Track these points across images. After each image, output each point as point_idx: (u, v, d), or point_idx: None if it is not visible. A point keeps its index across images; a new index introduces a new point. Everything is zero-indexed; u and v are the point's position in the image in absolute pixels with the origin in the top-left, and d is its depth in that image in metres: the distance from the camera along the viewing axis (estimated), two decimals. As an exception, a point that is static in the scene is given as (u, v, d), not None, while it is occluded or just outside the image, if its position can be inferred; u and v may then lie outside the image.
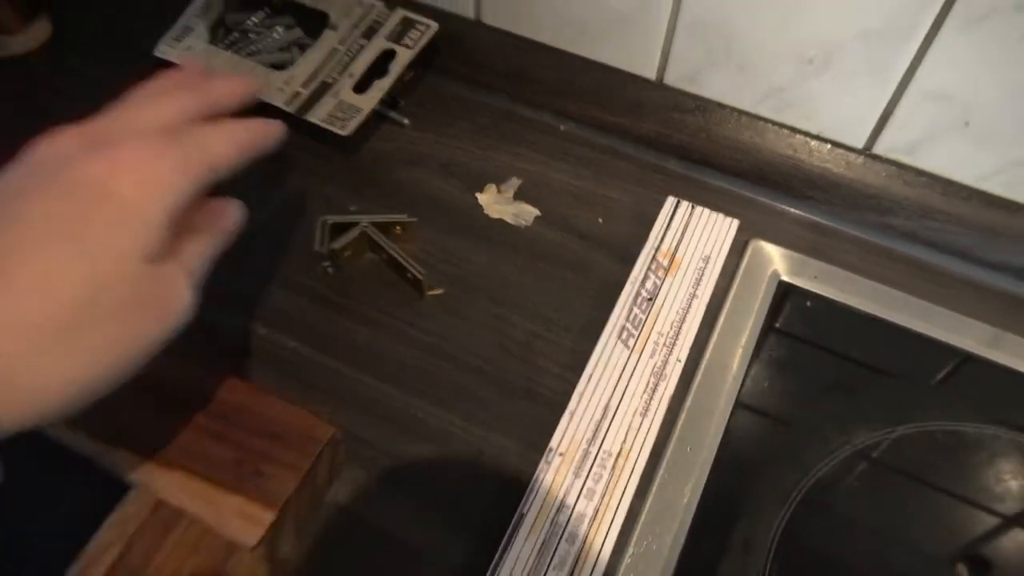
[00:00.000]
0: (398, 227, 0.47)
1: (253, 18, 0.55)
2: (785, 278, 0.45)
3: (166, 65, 0.51)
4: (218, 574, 0.34)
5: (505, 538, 0.36)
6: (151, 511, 0.34)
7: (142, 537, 0.34)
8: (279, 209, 0.49)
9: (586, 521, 0.36)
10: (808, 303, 0.45)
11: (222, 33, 0.55)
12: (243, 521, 0.34)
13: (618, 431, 0.39)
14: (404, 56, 0.52)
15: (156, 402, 0.37)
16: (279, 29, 0.55)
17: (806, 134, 0.49)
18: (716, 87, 0.49)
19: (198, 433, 0.36)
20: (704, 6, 0.46)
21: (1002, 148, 0.44)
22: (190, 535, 0.34)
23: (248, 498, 0.34)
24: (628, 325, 0.42)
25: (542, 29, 0.52)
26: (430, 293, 0.45)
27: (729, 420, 0.40)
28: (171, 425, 0.36)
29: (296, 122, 0.49)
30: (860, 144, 0.48)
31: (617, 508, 0.36)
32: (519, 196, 0.49)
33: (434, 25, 0.53)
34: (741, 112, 0.50)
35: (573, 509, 0.36)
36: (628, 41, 0.50)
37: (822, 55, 0.45)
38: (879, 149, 0.48)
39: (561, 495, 0.37)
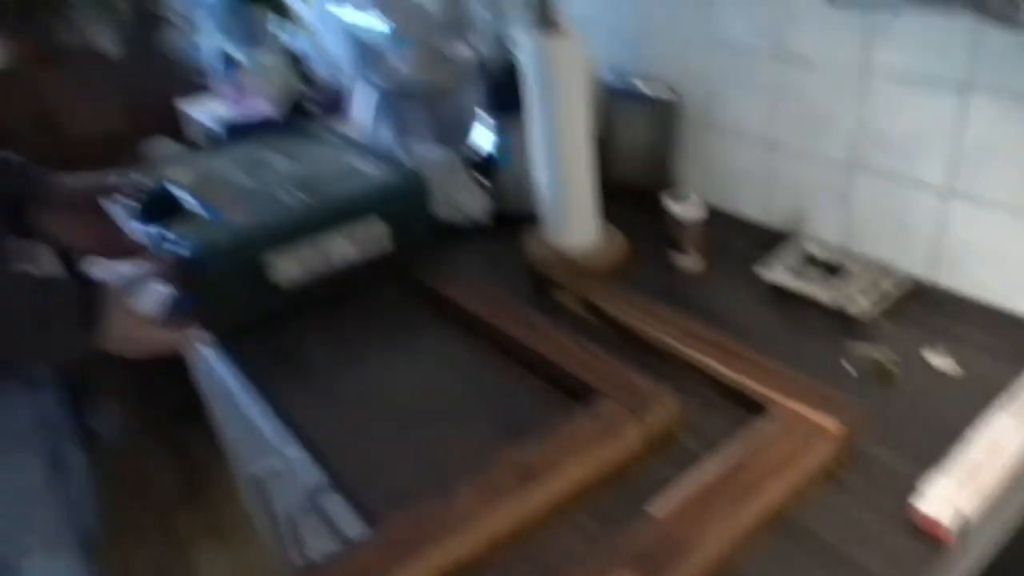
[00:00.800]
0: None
1: (804, 264, 1.15)
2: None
3: (770, 288, 1.12)
4: (801, 451, 0.83)
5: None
6: (786, 417, 0.87)
7: (780, 426, 0.86)
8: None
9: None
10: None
11: (795, 271, 1.15)
12: (827, 421, 0.84)
13: None
14: (891, 292, 1.07)
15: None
16: (821, 270, 1.14)
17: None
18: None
19: (808, 389, 0.89)
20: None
21: None
22: (799, 428, 0.85)
23: (830, 415, 0.85)
24: None
25: (974, 287, 1.04)
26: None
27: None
28: (791, 386, 0.90)
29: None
30: None
31: None
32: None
33: (908, 283, 1.08)
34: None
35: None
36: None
37: None
38: None
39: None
